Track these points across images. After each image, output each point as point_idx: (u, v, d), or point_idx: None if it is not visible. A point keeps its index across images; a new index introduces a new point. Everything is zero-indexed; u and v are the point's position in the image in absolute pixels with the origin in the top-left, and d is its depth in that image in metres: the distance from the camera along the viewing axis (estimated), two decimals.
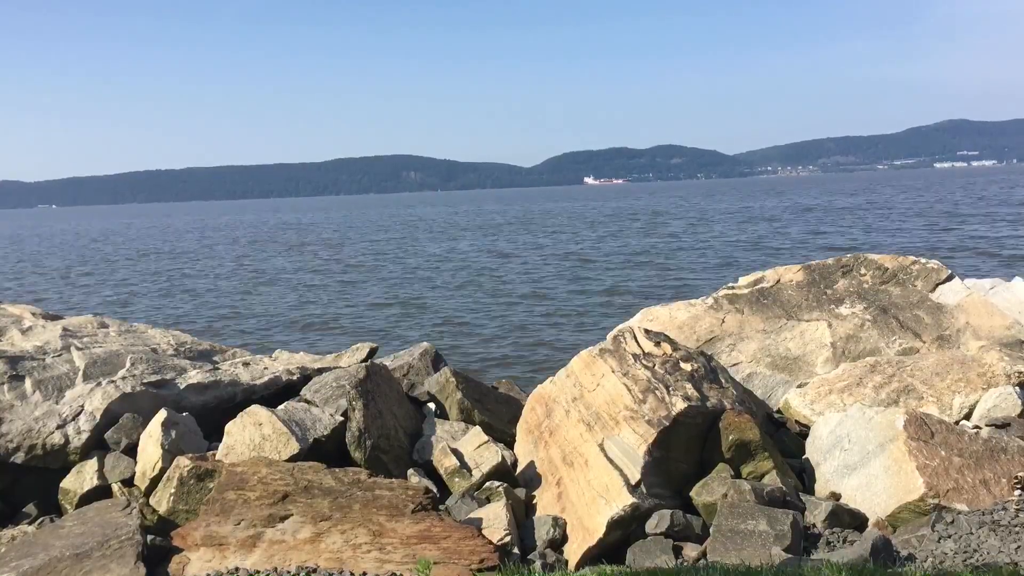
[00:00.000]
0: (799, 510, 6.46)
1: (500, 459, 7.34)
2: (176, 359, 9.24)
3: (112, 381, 8.34)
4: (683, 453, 6.99)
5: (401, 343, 17.77)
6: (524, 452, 7.79)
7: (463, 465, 7.39)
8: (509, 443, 8.04)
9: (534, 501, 7.13)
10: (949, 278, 10.50)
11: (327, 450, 7.49)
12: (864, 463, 6.83)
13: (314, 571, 5.69)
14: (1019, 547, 5.42)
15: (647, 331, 8.11)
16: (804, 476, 7.39)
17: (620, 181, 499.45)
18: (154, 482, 7.28)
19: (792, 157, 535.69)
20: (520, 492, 7.12)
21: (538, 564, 6.09)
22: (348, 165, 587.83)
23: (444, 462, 7.47)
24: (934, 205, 65.81)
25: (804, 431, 8.14)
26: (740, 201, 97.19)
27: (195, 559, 6.05)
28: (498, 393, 9.35)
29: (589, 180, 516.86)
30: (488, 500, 6.93)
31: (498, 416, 8.60)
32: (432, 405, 8.78)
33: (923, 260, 10.96)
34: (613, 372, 7.48)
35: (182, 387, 8.53)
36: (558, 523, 6.59)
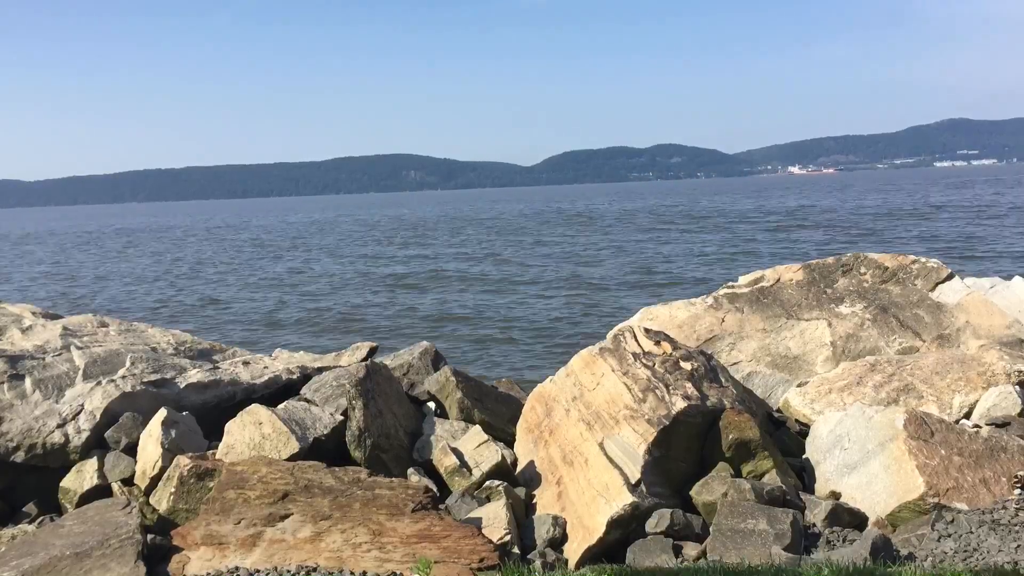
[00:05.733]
0: (799, 509, 6.45)
1: (500, 458, 7.34)
2: (176, 358, 9.24)
3: (112, 380, 8.34)
4: (683, 452, 7.00)
5: (401, 342, 17.77)
6: (524, 451, 7.78)
7: (463, 464, 7.38)
8: (509, 442, 8.03)
9: (534, 500, 7.12)
10: (949, 277, 10.50)
11: (327, 449, 7.49)
12: (864, 462, 6.83)
13: (314, 570, 5.69)
14: (1019, 546, 5.42)
15: (647, 330, 8.11)
16: (804, 475, 7.39)
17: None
18: (154, 481, 7.28)
19: (792, 156, 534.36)
20: (520, 491, 7.11)
21: (538, 563, 6.08)
22: (348, 164, 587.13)
23: (444, 461, 7.46)
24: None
25: (804, 430, 8.14)
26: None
27: (195, 558, 6.06)
28: (498, 392, 9.34)
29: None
30: (488, 499, 6.93)
31: (498, 415, 8.59)
32: (432, 404, 8.77)
33: (923, 259, 10.95)
34: (613, 371, 7.48)
35: (182, 386, 8.53)
36: (558, 522, 6.59)
